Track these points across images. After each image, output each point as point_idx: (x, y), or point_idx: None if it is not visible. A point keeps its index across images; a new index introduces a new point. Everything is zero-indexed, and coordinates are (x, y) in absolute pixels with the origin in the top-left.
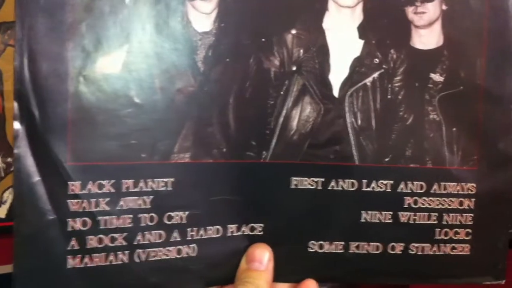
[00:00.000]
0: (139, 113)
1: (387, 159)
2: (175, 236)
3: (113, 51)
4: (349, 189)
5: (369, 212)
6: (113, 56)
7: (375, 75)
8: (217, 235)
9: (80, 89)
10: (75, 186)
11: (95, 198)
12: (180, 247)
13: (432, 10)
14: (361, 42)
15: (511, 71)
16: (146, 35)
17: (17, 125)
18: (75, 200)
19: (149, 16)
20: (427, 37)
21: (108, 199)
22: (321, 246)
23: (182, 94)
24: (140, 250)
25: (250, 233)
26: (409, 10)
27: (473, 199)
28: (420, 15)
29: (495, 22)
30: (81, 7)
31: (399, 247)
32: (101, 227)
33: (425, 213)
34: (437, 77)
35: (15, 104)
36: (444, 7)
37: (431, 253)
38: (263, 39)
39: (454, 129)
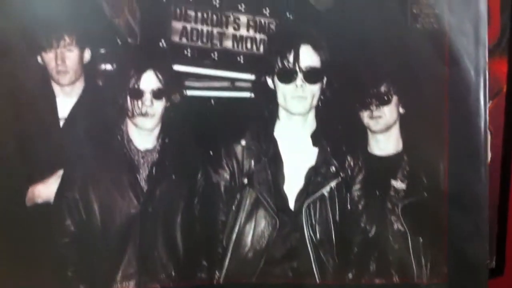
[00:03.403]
0: (75, 242)
1: (350, 275)
2: None
3: (46, 178)
4: None
5: None
6: (46, 183)
7: (332, 184)
8: None
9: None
10: None
11: None
12: None
13: (389, 114)
14: (316, 150)
15: (476, 174)
16: (82, 157)
17: None
18: None
19: (85, 137)
20: (385, 142)
21: None
22: None
23: (123, 218)
24: None
25: None
26: (365, 115)
27: None
28: (376, 119)
29: (456, 123)
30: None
31: None
32: None
33: None
34: (398, 184)
35: None
36: (401, 110)
37: None
38: (211, 152)
39: (420, 239)
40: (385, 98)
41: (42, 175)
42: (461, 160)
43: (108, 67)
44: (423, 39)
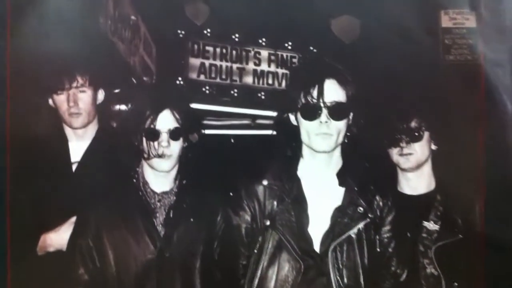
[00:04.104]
0: None
1: None
2: None
3: (58, 225)
4: None
5: None
6: (58, 231)
7: (360, 225)
8: None
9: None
10: None
11: None
12: None
13: (420, 151)
14: (342, 189)
15: None
16: (95, 203)
17: None
18: None
19: (98, 182)
20: (416, 181)
21: None
22: None
23: (139, 264)
24: None
25: None
26: (394, 152)
27: None
28: (406, 157)
29: (493, 160)
30: None
31: None
32: None
33: None
34: (431, 225)
35: None
36: (433, 147)
37: None
38: (231, 193)
39: (455, 284)
40: (416, 134)
41: (54, 223)
42: (498, 199)
43: (123, 107)
44: (456, 71)
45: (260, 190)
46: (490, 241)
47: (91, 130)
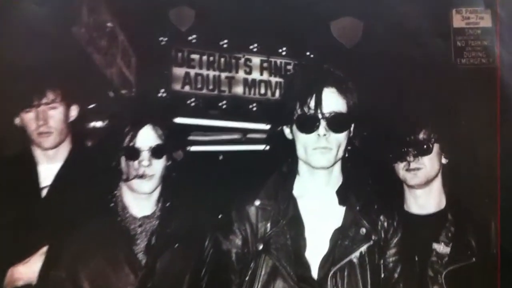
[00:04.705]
0: None
1: None
2: None
3: (27, 257)
4: None
5: None
6: (28, 263)
7: (363, 248)
8: None
9: None
10: None
11: None
12: None
13: (429, 166)
14: (342, 209)
15: None
16: (69, 231)
17: None
18: None
19: (72, 208)
20: (425, 198)
21: None
22: None
23: None
24: None
25: None
26: (400, 167)
27: None
28: (414, 172)
29: (510, 174)
30: None
31: None
32: None
33: None
34: (442, 247)
35: None
36: (444, 161)
37: None
38: (220, 215)
39: None
40: (425, 146)
41: (22, 254)
42: None
43: (99, 124)
44: (470, 76)
45: (252, 211)
46: (507, 264)
47: (63, 150)
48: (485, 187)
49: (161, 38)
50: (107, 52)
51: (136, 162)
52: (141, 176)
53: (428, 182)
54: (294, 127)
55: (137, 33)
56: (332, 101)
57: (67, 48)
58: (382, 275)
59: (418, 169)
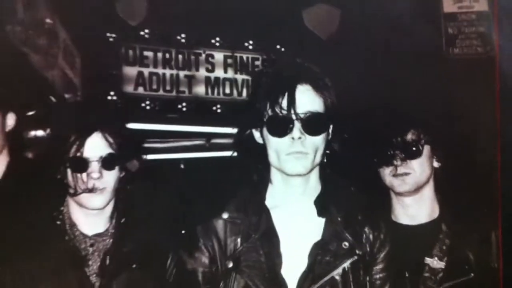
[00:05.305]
0: None
1: None
2: None
3: None
4: None
5: None
6: None
7: (346, 264)
8: None
9: None
10: None
11: None
12: None
13: (419, 170)
14: (322, 221)
15: None
16: (9, 254)
17: None
18: None
19: (12, 228)
20: (416, 207)
21: None
22: None
23: None
24: None
25: None
26: (386, 172)
27: None
28: (402, 177)
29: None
30: None
31: None
32: None
33: None
34: (435, 262)
35: None
36: (436, 164)
37: None
38: (183, 231)
39: None
40: (414, 148)
41: None
42: None
43: (40, 133)
44: (464, 68)
45: (219, 225)
46: (509, 280)
47: (0, 164)
48: (484, 193)
49: (108, 34)
50: (47, 52)
51: (84, 175)
52: (91, 190)
53: (418, 189)
54: (265, 130)
55: (80, 30)
56: (307, 100)
57: (0, 49)
58: None
59: (406, 174)
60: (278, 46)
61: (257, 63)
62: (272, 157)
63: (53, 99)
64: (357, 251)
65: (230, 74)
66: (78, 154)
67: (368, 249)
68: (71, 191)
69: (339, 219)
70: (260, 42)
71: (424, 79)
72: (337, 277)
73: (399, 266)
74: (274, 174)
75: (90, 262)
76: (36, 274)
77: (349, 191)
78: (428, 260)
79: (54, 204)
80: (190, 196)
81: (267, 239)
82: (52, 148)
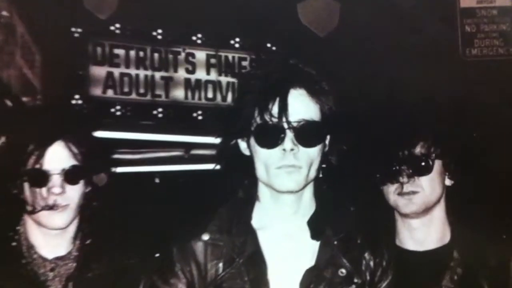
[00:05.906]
0: None
1: None
2: None
3: None
4: None
5: None
6: None
7: None
8: None
9: None
10: None
11: None
12: None
13: (429, 189)
14: (316, 244)
15: None
16: None
17: None
18: None
19: None
20: (424, 231)
21: None
22: None
23: None
24: None
25: None
26: (391, 190)
27: None
28: (408, 196)
29: None
30: None
31: None
32: None
33: None
34: None
35: None
36: (448, 182)
37: None
38: (157, 254)
39: None
40: (423, 164)
41: None
42: None
43: None
44: (482, 71)
45: (199, 248)
46: None
47: None
48: (502, 217)
49: (73, 29)
50: (2, 49)
51: (44, 189)
52: (52, 207)
53: (427, 210)
54: (252, 141)
55: (41, 24)
56: (301, 106)
57: None
58: None
59: (414, 193)
60: (268, 45)
61: (245, 63)
62: (260, 171)
63: (9, 102)
64: (356, 280)
65: (213, 76)
66: (37, 166)
67: (368, 277)
68: (29, 208)
69: (335, 242)
70: (248, 39)
71: (437, 83)
72: None
73: None
74: (262, 190)
75: None
76: None
77: (347, 211)
78: None
79: (9, 223)
80: (165, 215)
81: (253, 264)
82: (7, 159)
